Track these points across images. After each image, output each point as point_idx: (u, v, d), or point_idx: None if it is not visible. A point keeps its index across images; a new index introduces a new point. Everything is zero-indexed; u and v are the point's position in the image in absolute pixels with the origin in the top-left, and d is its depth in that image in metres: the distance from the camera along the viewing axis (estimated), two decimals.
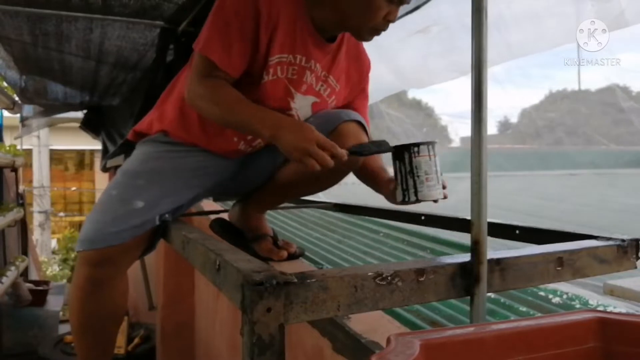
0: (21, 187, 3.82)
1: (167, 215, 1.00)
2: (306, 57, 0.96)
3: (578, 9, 1.26)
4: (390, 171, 0.96)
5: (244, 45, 0.90)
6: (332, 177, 1.07)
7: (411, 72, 1.82)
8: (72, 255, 8.20)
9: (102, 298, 1.01)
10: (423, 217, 1.14)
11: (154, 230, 1.01)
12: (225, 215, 1.28)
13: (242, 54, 0.90)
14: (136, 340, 2.65)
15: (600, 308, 0.86)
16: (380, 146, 0.88)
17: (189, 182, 1.05)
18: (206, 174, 1.07)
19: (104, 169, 3.87)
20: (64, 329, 3.33)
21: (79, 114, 4.34)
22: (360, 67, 1.09)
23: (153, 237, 1.04)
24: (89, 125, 4.20)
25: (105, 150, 3.91)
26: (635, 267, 0.76)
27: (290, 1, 0.92)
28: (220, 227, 1.15)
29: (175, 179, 1.03)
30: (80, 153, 11.90)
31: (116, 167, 3.86)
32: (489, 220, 0.61)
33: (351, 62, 1.06)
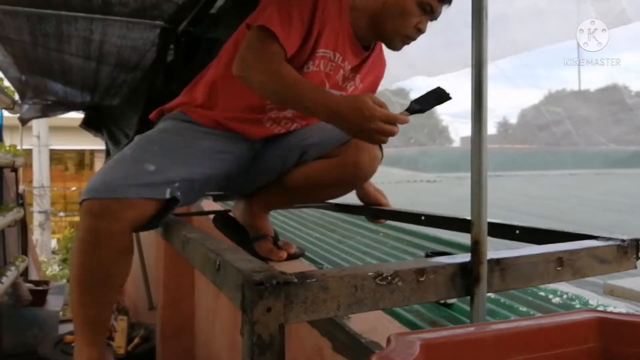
0: (21, 187, 3.82)
1: (178, 194, 0.97)
2: (343, 57, 1.04)
3: (579, 6, 1.26)
4: None
5: (302, 27, 0.95)
6: (345, 188, 1.15)
7: (420, 61, 1.84)
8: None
9: (103, 253, 0.96)
10: (423, 217, 1.14)
11: (161, 207, 0.97)
12: None
13: (299, 34, 0.95)
14: (136, 340, 2.65)
15: (601, 308, 0.86)
16: (440, 97, 0.85)
17: (200, 161, 1.04)
18: (219, 158, 1.06)
19: None
20: (64, 329, 3.33)
21: (79, 113, 4.33)
22: (378, 73, 1.19)
23: (159, 214, 0.98)
24: (90, 124, 4.20)
25: (108, 151, 3.92)
26: (635, 267, 0.76)
27: (337, 5, 1.00)
28: (225, 223, 1.15)
29: (188, 151, 1.03)
30: (80, 153, 11.91)
31: None
32: (488, 220, 0.61)
33: (374, 69, 1.15)
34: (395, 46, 1.04)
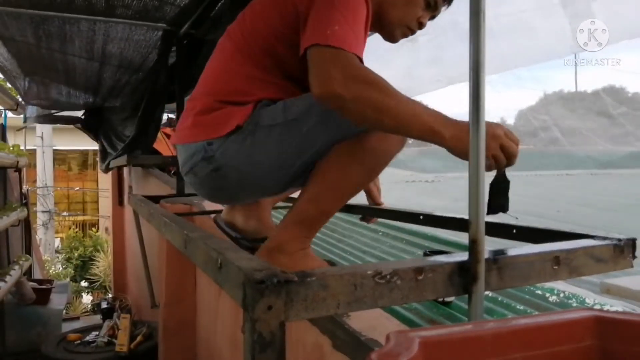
0: (25, 187, 3.85)
1: None
2: None
3: (557, 27, 1.27)
4: None
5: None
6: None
7: (400, 80, 1.84)
8: (75, 254, 8.22)
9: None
10: (421, 217, 1.14)
11: None
12: None
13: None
14: (139, 338, 2.67)
15: (597, 307, 0.86)
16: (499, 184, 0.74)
17: None
18: None
19: (106, 170, 3.88)
20: (67, 327, 3.36)
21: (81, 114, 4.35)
22: None
23: None
24: (88, 127, 4.23)
25: (103, 151, 3.92)
26: (632, 266, 0.77)
27: None
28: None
29: None
30: (84, 153, 11.94)
31: (119, 167, 3.88)
32: (486, 219, 0.62)
33: None
34: (395, 37, 1.04)
